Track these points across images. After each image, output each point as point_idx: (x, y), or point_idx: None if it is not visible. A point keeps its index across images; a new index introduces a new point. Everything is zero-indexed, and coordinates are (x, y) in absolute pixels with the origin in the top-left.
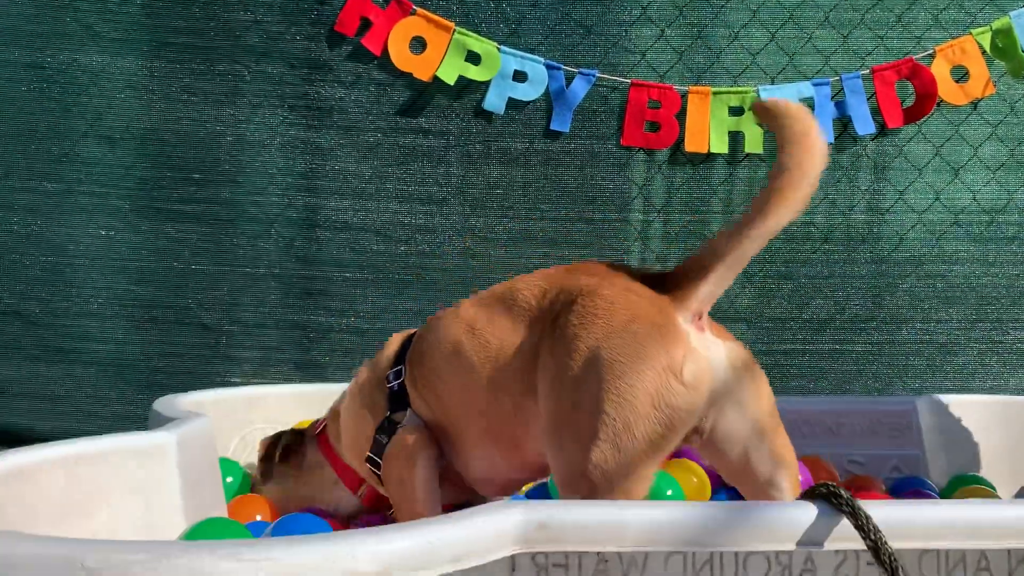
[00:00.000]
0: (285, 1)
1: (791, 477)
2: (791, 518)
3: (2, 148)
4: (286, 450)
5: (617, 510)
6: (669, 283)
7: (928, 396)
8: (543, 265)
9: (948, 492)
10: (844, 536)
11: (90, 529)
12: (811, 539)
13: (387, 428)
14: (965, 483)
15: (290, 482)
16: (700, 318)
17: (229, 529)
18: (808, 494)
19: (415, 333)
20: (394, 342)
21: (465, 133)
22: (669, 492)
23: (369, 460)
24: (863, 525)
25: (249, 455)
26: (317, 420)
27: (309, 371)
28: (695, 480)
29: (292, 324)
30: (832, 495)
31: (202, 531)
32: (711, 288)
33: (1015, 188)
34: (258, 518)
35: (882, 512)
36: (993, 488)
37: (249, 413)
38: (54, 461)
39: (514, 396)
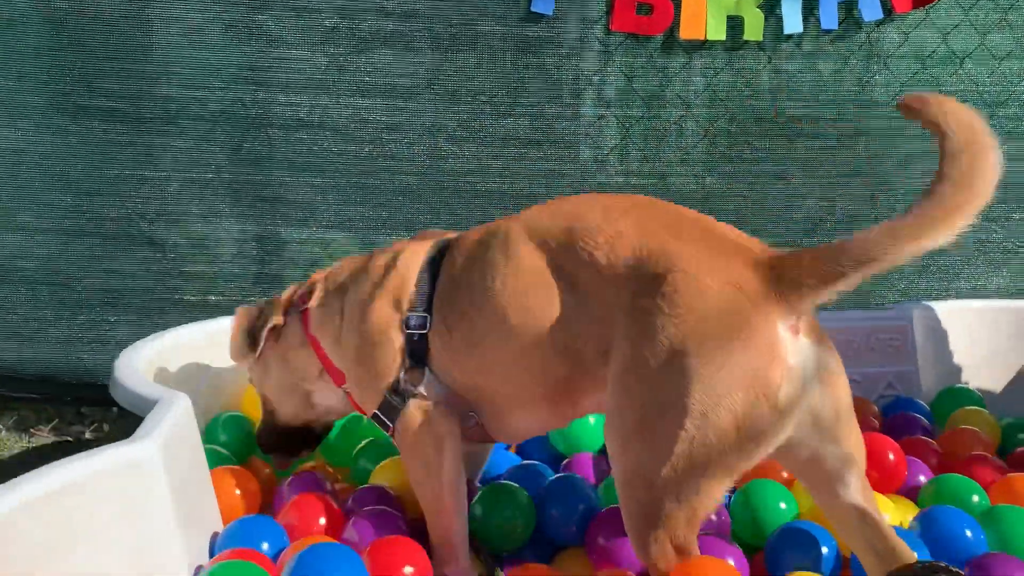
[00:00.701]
0: None
1: (860, 474)
2: None
3: None
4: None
5: None
6: (782, 270)
7: (922, 307)
8: (522, 168)
9: (939, 407)
10: None
11: (72, 564)
12: None
13: (401, 391)
14: (955, 397)
15: (272, 367)
16: (800, 319)
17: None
18: None
19: (444, 248)
20: (414, 258)
21: (435, 15)
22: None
23: (374, 416)
24: None
25: (215, 399)
26: (297, 288)
27: (267, 286)
28: None
29: (246, 235)
30: None
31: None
32: (830, 295)
33: (1017, 80)
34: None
35: None
36: (983, 403)
37: (216, 350)
38: (30, 503)
39: (586, 364)
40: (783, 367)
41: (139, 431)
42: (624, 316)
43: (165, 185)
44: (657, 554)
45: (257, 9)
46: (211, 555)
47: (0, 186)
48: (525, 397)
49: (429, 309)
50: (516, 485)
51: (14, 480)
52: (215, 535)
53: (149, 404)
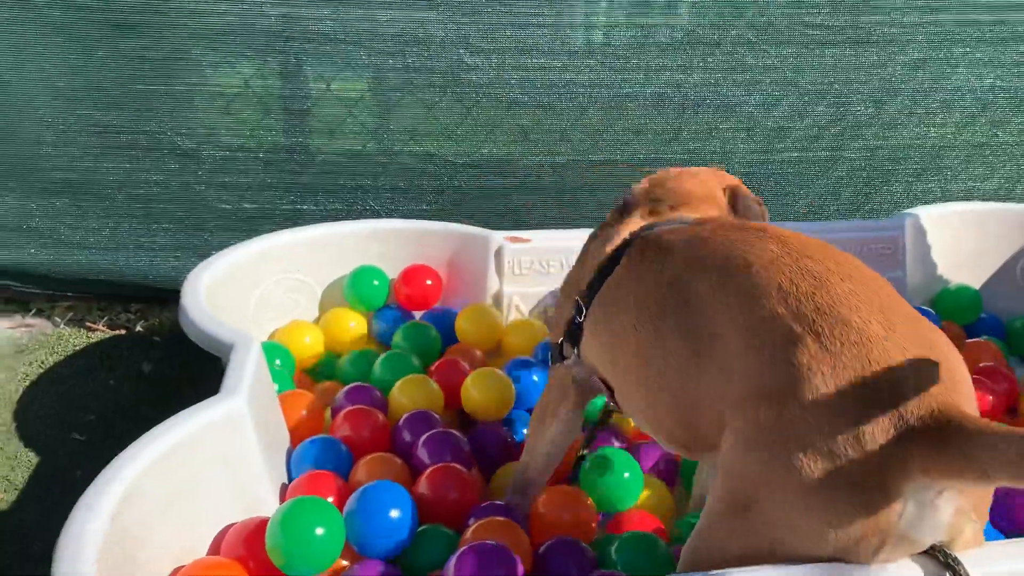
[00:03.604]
0: None
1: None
2: None
3: None
4: None
5: None
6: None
7: (913, 216)
8: (540, 78)
9: (940, 305)
10: None
11: (194, 512)
12: None
13: (556, 353)
14: (953, 296)
15: None
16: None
17: (318, 510)
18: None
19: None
20: (613, 240)
21: None
22: (626, 475)
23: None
24: None
25: (262, 313)
26: None
27: (298, 194)
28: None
29: (276, 147)
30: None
31: (294, 515)
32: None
33: None
34: (303, 413)
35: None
36: (980, 300)
37: (261, 269)
38: (152, 464)
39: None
40: (883, 536)
41: (227, 384)
42: (736, 411)
43: (192, 99)
44: None
45: None
46: (288, 473)
47: (41, 105)
48: (656, 434)
49: (592, 299)
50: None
51: (136, 444)
52: (289, 452)
53: (223, 347)
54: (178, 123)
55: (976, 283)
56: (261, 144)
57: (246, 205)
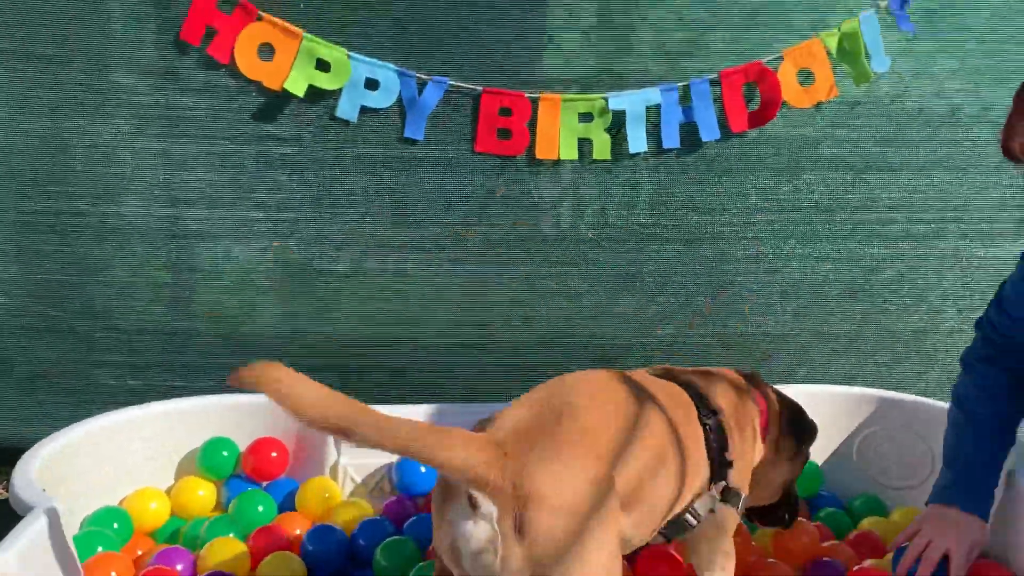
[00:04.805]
0: (131, 8)
1: None
2: None
3: None
4: None
5: None
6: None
7: None
8: (403, 271)
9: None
10: None
11: None
12: None
13: None
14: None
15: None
16: (476, 502)
17: None
18: None
19: None
20: None
21: (319, 140)
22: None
23: None
24: None
25: (118, 480)
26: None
27: (180, 373)
28: None
29: (162, 329)
30: None
31: None
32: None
33: (849, 188)
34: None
35: None
36: (821, 474)
37: (119, 439)
38: None
39: None
40: (443, 536)
41: (5, 542)
42: None
43: (88, 287)
44: None
45: (165, 138)
46: None
47: None
48: None
49: None
50: None
51: None
52: None
53: (27, 509)
54: (74, 307)
55: (817, 460)
56: (146, 327)
57: (130, 382)
